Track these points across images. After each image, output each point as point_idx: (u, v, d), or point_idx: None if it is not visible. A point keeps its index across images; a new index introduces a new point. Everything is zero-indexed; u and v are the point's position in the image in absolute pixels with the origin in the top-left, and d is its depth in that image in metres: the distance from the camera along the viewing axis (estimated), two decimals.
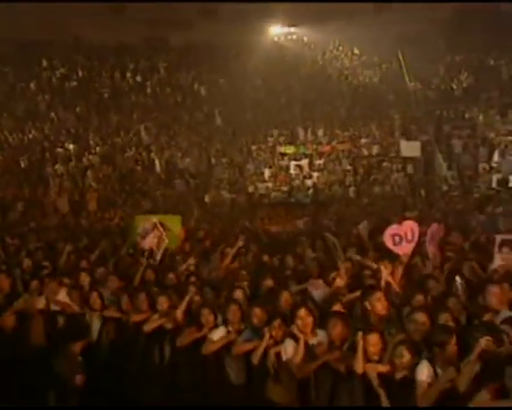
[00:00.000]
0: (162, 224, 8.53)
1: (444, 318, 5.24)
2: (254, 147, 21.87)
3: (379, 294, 5.73)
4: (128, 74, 26.04)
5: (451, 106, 22.97)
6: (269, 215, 15.74)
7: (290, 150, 21.38)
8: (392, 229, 7.05)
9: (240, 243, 8.23)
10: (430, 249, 7.10)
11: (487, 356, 4.42)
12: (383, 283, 6.32)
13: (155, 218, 8.73)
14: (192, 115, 23.95)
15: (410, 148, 19.79)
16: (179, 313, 6.24)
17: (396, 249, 6.95)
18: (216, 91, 25.22)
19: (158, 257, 8.34)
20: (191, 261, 8.04)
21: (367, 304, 5.72)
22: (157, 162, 20.56)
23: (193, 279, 7.27)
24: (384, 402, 4.79)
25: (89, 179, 18.96)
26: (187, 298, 6.33)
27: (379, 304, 5.65)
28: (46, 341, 6.51)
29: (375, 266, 6.64)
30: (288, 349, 5.37)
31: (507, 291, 5.82)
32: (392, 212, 14.20)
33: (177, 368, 6.19)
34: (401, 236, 6.93)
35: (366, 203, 17.78)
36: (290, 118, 23.61)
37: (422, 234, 7.32)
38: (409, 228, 7.02)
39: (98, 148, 20.99)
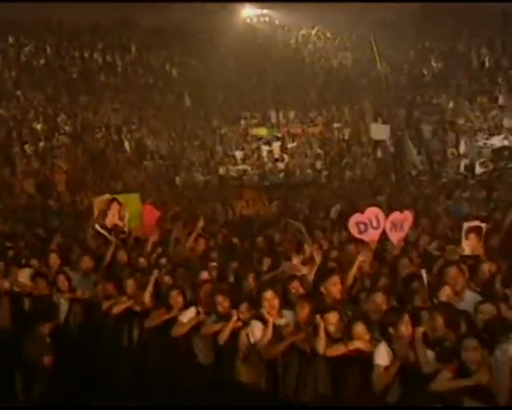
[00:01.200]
0: (117, 200, 8.52)
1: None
2: (225, 130, 21.81)
3: (335, 278, 5.75)
4: (99, 54, 25.59)
5: (421, 91, 23.22)
6: (241, 198, 15.72)
7: (261, 132, 21.37)
8: (356, 217, 7.06)
9: (201, 224, 8.08)
10: (393, 236, 7.12)
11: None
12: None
13: (108, 196, 8.79)
14: (163, 97, 23.71)
15: (380, 131, 19.92)
16: (147, 296, 6.24)
17: (363, 237, 6.99)
18: (188, 73, 24.99)
19: (126, 229, 8.34)
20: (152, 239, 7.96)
21: (322, 288, 5.77)
22: (127, 143, 20.36)
23: (163, 261, 7.26)
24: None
25: (58, 160, 18.67)
26: (152, 280, 6.31)
27: (334, 289, 5.68)
28: (13, 322, 6.46)
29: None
30: (256, 332, 5.42)
31: (464, 272, 5.97)
32: (363, 196, 14.34)
33: (145, 349, 6.21)
34: (366, 223, 6.96)
35: (337, 187, 17.91)
36: (262, 100, 23.57)
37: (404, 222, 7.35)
38: (373, 214, 7.05)
39: (67, 128, 20.66)
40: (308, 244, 7.21)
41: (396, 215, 7.22)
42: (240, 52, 25.35)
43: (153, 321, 6.12)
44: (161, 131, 21.44)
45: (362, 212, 7.16)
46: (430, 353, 4.61)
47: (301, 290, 5.84)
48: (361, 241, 7.04)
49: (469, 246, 6.84)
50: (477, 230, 6.94)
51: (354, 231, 7.04)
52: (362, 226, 6.99)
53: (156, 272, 6.45)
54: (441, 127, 21.18)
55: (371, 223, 6.99)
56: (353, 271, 6.18)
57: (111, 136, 20.64)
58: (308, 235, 7.74)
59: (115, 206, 8.39)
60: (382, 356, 4.68)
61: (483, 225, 7.03)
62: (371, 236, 6.98)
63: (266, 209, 12.73)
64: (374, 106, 22.46)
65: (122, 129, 21.00)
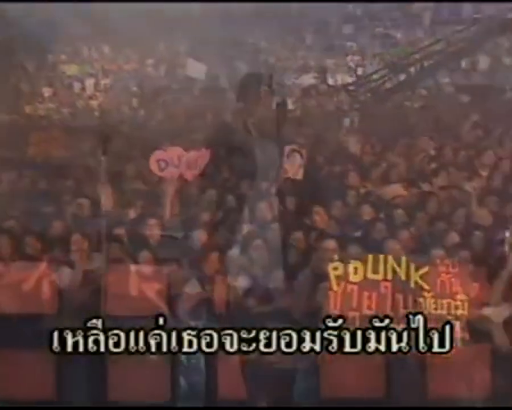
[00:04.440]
0: None
1: None
2: (31, 64, 20.21)
3: (151, 221, 6.19)
4: None
5: (235, 29, 23.55)
6: (50, 138, 14.84)
7: (72, 68, 20.23)
8: (157, 154, 7.20)
9: None
10: (187, 174, 7.29)
11: None
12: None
13: None
14: None
15: (196, 68, 19.97)
16: None
17: (163, 174, 7.14)
18: None
19: None
20: None
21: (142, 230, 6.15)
22: None
23: None
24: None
25: None
26: None
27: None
28: None
29: None
30: (64, 277, 5.33)
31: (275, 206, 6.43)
32: (180, 135, 14.36)
33: None
34: (167, 161, 7.10)
35: (154, 125, 17.71)
36: (73, 33, 22.16)
37: None
38: (175, 153, 7.20)
39: None
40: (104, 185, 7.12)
41: (191, 154, 7.41)
42: None
43: None
44: None
45: (164, 149, 7.27)
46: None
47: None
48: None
49: (290, 167, 7.35)
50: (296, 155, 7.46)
51: (154, 168, 7.15)
52: (162, 164, 7.12)
53: None
54: (255, 65, 21.83)
55: (172, 161, 7.12)
56: (167, 209, 6.34)
57: None
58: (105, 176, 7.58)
59: None
60: (190, 288, 5.24)
61: (303, 151, 7.56)
62: (171, 173, 7.10)
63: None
64: (190, 41, 22.35)
65: None
